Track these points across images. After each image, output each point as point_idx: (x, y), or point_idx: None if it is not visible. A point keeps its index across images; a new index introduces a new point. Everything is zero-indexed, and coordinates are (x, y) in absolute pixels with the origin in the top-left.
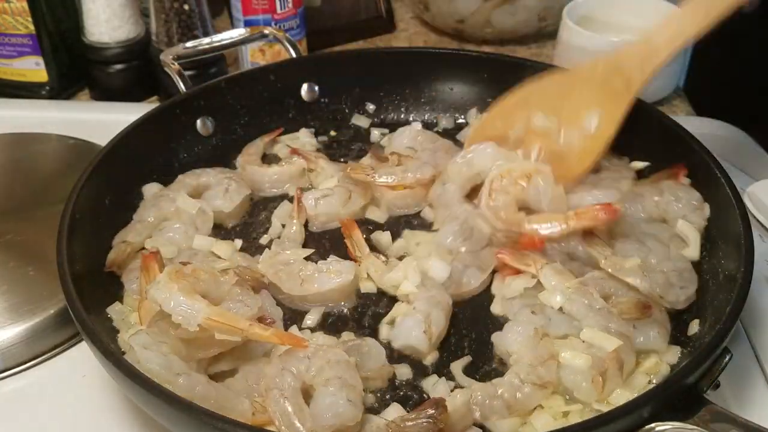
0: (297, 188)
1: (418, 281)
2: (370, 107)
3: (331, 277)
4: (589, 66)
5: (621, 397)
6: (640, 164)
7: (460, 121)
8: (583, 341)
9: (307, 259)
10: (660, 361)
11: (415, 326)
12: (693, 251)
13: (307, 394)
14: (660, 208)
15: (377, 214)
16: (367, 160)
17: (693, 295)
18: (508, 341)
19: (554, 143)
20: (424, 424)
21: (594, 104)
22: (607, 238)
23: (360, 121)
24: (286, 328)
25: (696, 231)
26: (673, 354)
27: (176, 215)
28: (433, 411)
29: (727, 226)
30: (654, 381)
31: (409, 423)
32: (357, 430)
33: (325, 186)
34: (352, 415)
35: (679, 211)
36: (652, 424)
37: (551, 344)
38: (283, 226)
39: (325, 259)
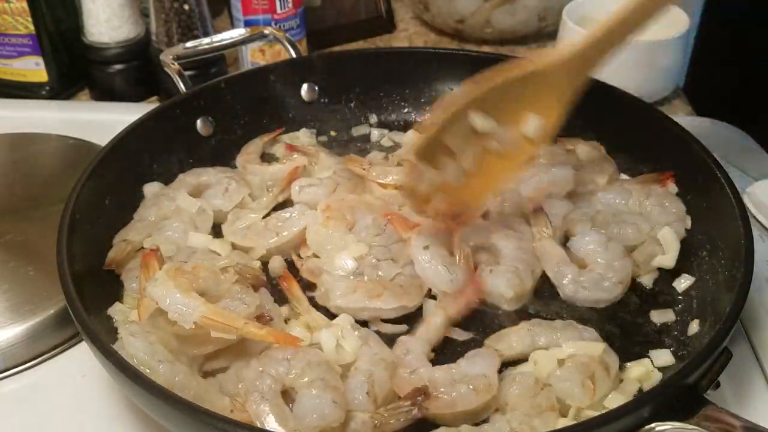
0: (294, 166)
1: (357, 344)
2: (373, 119)
3: (300, 218)
4: (546, 66)
5: (615, 401)
6: (625, 177)
7: None
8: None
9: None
10: (651, 369)
11: (358, 387)
12: (669, 260)
13: (286, 395)
14: (644, 209)
15: None
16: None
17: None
18: (504, 390)
19: (492, 144)
20: (409, 410)
21: (537, 107)
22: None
23: (361, 130)
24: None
25: (678, 241)
26: (664, 358)
27: (176, 214)
28: (419, 397)
29: (727, 226)
30: (644, 387)
31: (394, 411)
32: (341, 429)
33: (318, 176)
34: (337, 416)
35: (663, 217)
36: (652, 424)
37: (552, 395)
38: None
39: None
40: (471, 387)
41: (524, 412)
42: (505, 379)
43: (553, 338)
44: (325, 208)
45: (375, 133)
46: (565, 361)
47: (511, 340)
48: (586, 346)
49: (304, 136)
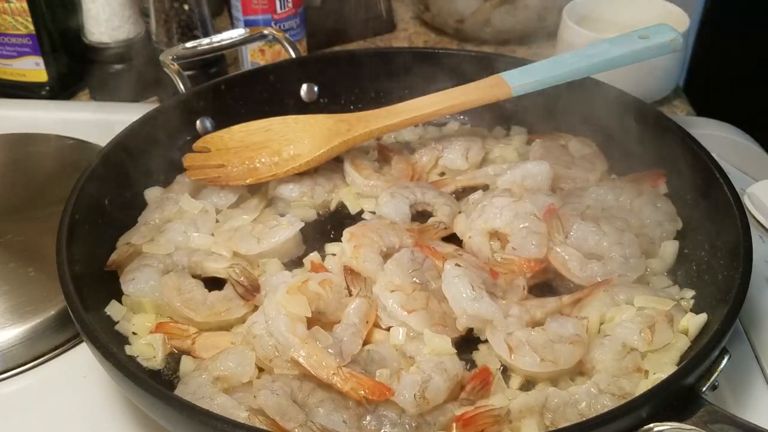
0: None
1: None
2: None
3: (286, 228)
4: (323, 117)
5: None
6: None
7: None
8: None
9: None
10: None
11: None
12: (663, 265)
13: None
14: (635, 207)
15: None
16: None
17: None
18: (594, 356)
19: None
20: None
21: (314, 140)
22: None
23: None
24: None
25: (675, 249)
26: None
27: (179, 216)
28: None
29: (726, 226)
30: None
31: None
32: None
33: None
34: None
35: (654, 216)
36: (651, 425)
37: (637, 357)
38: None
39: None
40: (570, 344)
41: (612, 374)
42: (593, 345)
43: (630, 296)
44: (349, 237)
45: None
46: (635, 313)
47: (593, 307)
48: (656, 300)
49: None
